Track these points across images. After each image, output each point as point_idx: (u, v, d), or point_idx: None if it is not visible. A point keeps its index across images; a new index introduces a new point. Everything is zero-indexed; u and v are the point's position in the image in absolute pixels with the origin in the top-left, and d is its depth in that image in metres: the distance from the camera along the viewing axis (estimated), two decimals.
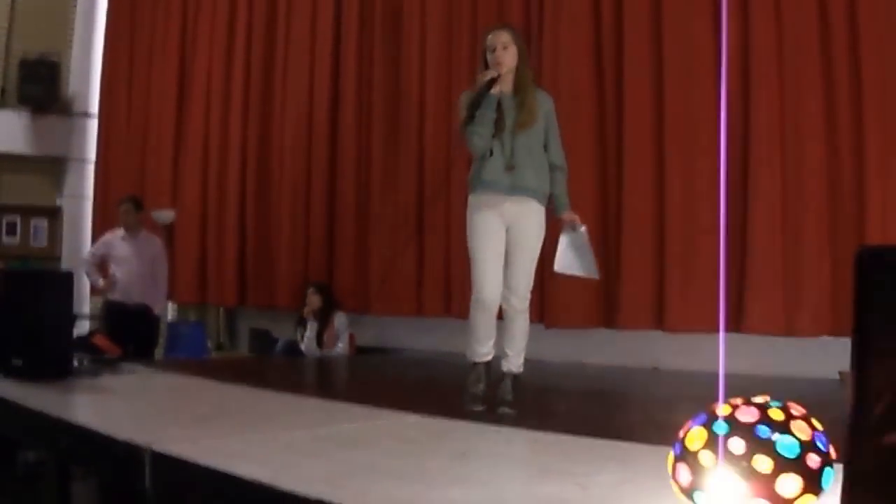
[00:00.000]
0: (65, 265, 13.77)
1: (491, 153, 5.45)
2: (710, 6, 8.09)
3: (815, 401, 2.79)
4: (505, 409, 5.36)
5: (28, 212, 14.59)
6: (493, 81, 5.42)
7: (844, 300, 6.84)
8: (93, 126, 14.85)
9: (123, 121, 14.14)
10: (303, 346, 9.94)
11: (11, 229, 14.47)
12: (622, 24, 8.66)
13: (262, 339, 11.87)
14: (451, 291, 9.78)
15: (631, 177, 8.40)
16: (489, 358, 5.60)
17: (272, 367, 9.70)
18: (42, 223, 14.73)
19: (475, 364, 5.57)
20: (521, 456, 4.23)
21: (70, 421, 4.75)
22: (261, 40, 12.31)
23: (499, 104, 5.48)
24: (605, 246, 8.36)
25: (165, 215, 12.40)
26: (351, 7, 11.27)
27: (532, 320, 5.69)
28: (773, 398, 2.59)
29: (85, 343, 7.64)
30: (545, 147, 5.62)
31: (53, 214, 14.85)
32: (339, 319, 10.00)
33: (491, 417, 5.13)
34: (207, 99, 12.87)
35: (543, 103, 5.63)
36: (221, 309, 13.01)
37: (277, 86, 12.03)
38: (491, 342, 5.59)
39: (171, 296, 11.70)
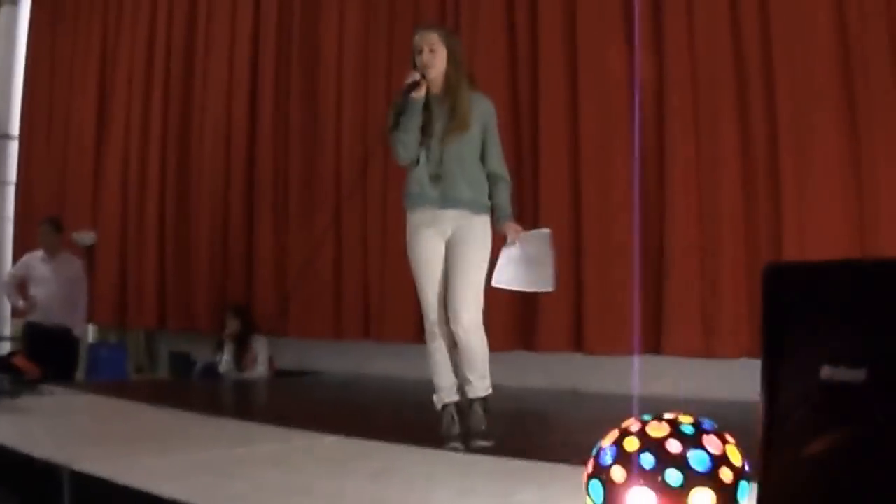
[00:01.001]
0: None
1: (417, 162, 5.11)
2: (624, 31, 8.07)
3: (735, 421, 2.83)
4: (481, 443, 4.93)
5: None
6: (415, 85, 5.02)
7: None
8: (13, 148, 14.70)
9: (44, 143, 14.00)
10: (221, 370, 9.90)
11: None
12: (537, 31, 8.62)
13: (182, 362, 11.77)
14: (370, 314, 9.76)
15: (546, 195, 8.34)
16: (457, 397, 5.15)
17: (191, 390, 9.65)
18: None
19: (445, 407, 5.13)
20: (440, 477, 4.18)
21: None
22: (180, 61, 12.24)
23: (428, 110, 5.12)
24: None
25: (86, 237, 12.29)
26: (268, 19, 11.25)
27: None
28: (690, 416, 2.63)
29: (5, 364, 7.58)
30: (483, 155, 5.21)
31: None
32: (258, 342, 9.98)
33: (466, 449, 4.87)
34: (127, 121, 12.78)
35: (480, 108, 5.19)
36: (142, 331, 12.90)
37: (196, 108, 11.97)
38: (451, 374, 5.14)
39: (90, 318, 11.58)
